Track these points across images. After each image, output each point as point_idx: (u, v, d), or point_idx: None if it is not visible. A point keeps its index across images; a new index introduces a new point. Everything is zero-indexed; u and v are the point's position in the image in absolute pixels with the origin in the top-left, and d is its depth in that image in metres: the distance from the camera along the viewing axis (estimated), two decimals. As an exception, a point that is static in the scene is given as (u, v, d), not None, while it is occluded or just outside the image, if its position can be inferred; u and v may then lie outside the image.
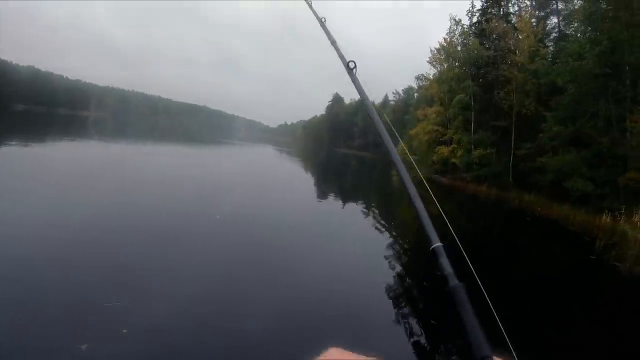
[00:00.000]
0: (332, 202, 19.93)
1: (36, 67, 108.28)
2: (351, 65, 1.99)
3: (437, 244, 1.06)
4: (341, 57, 2.15)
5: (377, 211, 18.18)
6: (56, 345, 4.72)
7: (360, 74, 1.95)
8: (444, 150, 38.78)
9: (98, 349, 4.73)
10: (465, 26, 42.26)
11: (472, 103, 35.92)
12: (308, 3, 2.78)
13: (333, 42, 2.39)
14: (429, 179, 40.13)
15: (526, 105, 30.06)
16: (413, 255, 11.48)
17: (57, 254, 7.43)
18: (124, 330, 5.13)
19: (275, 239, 10.85)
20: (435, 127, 42.30)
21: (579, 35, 27.32)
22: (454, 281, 0.93)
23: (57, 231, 8.60)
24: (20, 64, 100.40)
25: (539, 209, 21.85)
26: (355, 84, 1.95)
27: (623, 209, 17.72)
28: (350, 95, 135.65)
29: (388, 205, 22.43)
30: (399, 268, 9.82)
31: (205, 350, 5.15)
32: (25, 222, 8.87)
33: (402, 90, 77.44)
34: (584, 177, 20.39)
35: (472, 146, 34.46)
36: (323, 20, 2.59)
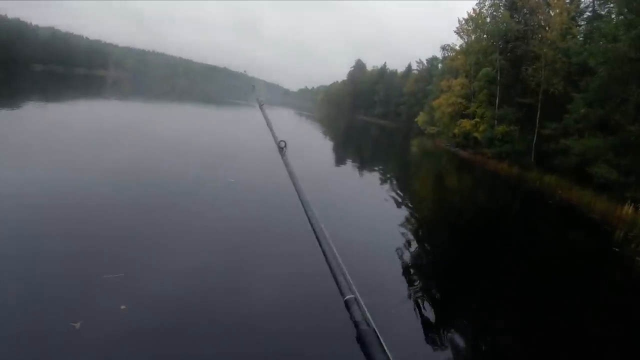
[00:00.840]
0: (352, 171, 20.02)
1: (56, 28, 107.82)
2: (281, 144, 2.20)
3: (349, 295, 1.06)
4: (274, 137, 2.35)
5: (395, 182, 18.28)
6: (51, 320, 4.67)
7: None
8: (467, 123, 38.46)
9: (96, 323, 4.69)
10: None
11: (499, 77, 35.22)
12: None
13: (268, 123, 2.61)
14: (448, 151, 40.31)
15: (554, 84, 29.45)
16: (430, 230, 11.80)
17: (54, 220, 7.44)
18: (122, 307, 5.05)
19: (289, 207, 10.94)
20: (459, 100, 41.90)
21: (613, 16, 26.37)
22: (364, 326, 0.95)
23: (54, 198, 8.58)
24: (40, 24, 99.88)
25: (559, 192, 21.77)
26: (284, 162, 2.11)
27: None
28: (371, 63, 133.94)
29: (407, 176, 22.48)
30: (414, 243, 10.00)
31: (208, 327, 5.08)
32: (24, 192, 8.62)
33: (426, 60, 75.91)
34: (610, 163, 20.09)
35: (496, 121, 34.07)
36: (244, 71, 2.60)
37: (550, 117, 27.90)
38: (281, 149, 2.17)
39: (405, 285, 7.38)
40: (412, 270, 8.27)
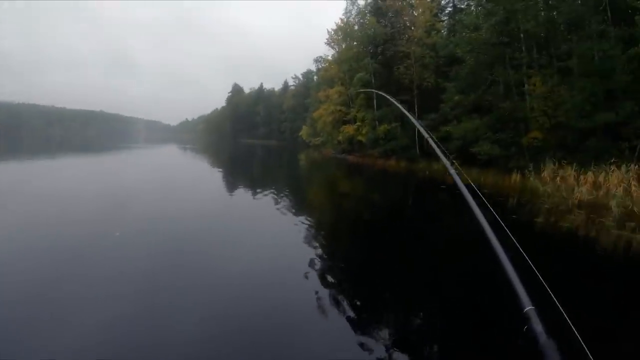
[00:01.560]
0: (246, 195, 18.51)
1: None
2: None
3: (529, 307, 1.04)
4: None
5: (289, 198, 17.17)
6: None
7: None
8: (349, 128, 38.72)
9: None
10: (361, 5, 42.48)
11: (373, 80, 35.99)
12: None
13: None
14: (335, 159, 40.29)
15: (426, 78, 30.70)
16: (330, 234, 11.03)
17: None
18: None
19: (191, 245, 9.43)
20: (339, 107, 42.22)
21: (472, 8, 28.07)
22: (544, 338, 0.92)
23: None
24: None
25: (449, 175, 22.08)
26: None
27: (531, 166, 18.27)
28: (249, 85, 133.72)
29: (301, 189, 21.54)
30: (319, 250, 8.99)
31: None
32: None
33: (302, 74, 76.91)
34: (489, 140, 20.85)
35: (377, 122, 34.54)
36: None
37: (427, 109, 28.79)
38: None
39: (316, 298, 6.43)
40: (320, 282, 7.14)
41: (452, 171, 1.84)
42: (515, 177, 18.30)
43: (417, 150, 29.61)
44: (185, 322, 5.49)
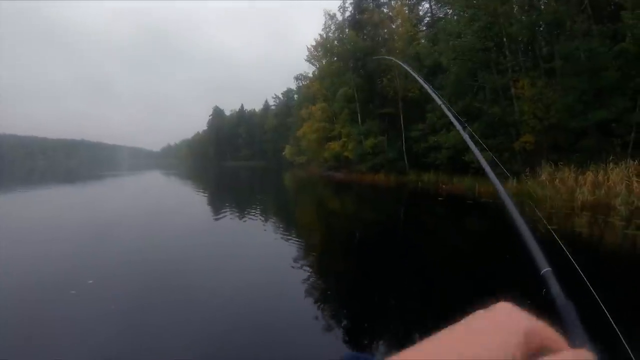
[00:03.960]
0: (230, 220, 17.72)
1: None
2: None
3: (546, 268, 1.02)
4: None
5: (277, 220, 16.46)
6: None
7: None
8: (335, 145, 38.22)
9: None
10: (339, 20, 42.34)
11: (356, 94, 35.60)
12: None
13: None
14: (322, 177, 39.64)
15: (409, 89, 30.28)
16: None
17: None
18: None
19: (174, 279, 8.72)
20: (323, 124, 41.75)
21: (455, 17, 27.96)
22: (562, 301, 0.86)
23: None
24: None
25: (442, 185, 21.61)
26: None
27: (527, 170, 17.83)
28: (230, 106, 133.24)
29: (288, 210, 20.82)
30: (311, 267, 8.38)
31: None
32: None
33: (282, 93, 76.66)
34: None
35: (362, 137, 34.05)
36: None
37: (413, 121, 28.43)
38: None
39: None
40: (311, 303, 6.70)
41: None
42: (512, 182, 17.79)
43: (406, 162, 29.10)
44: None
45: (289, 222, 16.32)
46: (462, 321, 0.38)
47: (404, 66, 4.16)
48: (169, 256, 9.97)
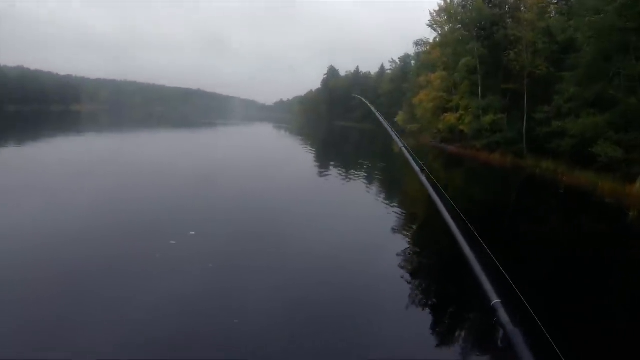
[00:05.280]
0: (337, 178, 18.62)
1: (25, 66, 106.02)
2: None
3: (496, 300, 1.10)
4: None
5: (383, 185, 16.96)
6: None
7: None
8: (451, 117, 37.21)
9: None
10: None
11: (478, 66, 33.98)
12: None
13: None
14: (433, 148, 38.99)
15: (538, 65, 28.28)
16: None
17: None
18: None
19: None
20: (440, 94, 40.62)
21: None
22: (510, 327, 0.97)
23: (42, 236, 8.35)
24: (8, 65, 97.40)
25: (561, 176, 20.50)
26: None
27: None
28: (345, 67, 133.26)
29: (394, 176, 21.11)
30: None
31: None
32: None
33: (399, 58, 75.00)
34: (611, 141, 18.78)
35: (481, 112, 32.75)
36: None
37: (538, 101, 26.77)
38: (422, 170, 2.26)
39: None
40: (414, 274, 7.63)
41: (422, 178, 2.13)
42: (638, 186, 16.33)
43: (525, 145, 27.65)
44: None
45: (392, 191, 16.63)
46: None
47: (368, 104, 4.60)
48: (272, 215, 10.91)
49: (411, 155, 2.53)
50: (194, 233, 9.09)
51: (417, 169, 2.33)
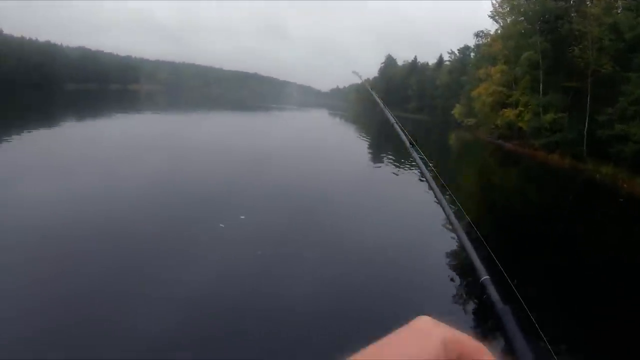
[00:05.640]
0: (389, 168, 19.00)
1: (86, 47, 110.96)
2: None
3: (485, 277, 1.11)
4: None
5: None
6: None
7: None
8: (510, 113, 36.31)
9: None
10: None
11: (541, 61, 32.76)
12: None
13: None
14: (490, 144, 38.11)
15: (603, 64, 27.00)
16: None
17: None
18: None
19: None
20: (500, 88, 39.62)
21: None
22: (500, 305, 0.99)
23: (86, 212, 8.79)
24: (70, 45, 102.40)
25: (622, 184, 19.74)
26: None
27: None
28: (401, 57, 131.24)
29: (448, 172, 21.00)
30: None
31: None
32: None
33: (458, 50, 73.05)
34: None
35: (541, 109, 31.75)
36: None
37: (602, 101, 25.60)
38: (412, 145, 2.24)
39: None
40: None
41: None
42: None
43: (585, 148, 26.60)
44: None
45: (443, 187, 16.62)
46: (383, 339, 0.33)
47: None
48: (323, 206, 11.27)
49: (402, 129, 2.55)
50: (244, 217, 9.20)
51: (407, 143, 2.35)
